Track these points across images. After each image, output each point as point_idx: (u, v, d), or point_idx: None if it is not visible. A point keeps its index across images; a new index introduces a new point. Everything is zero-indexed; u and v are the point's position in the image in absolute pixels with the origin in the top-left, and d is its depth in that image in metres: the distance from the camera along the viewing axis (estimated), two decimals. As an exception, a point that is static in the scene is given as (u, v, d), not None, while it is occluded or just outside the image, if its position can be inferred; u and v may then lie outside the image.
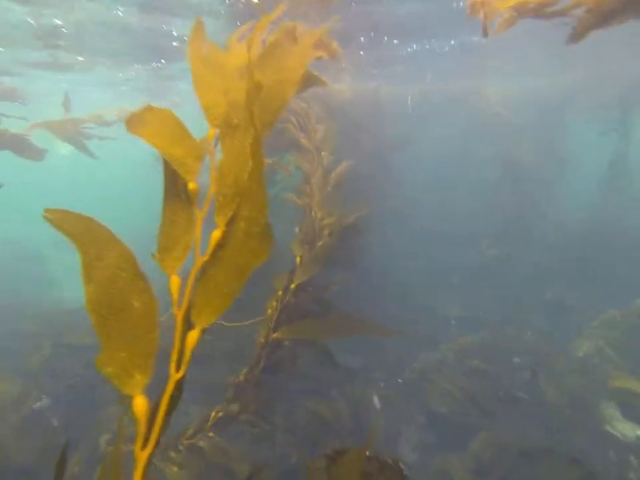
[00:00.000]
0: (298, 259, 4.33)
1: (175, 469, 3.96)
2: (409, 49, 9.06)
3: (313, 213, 4.61)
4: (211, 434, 4.10)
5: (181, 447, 4.03)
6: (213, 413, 4.15)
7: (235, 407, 4.17)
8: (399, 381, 7.15)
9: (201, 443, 4.07)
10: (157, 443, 1.32)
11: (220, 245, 1.66)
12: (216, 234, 1.69)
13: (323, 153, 5.81)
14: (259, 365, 4.13)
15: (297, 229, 4.59)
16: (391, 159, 9.96)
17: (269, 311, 4.11)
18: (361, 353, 7.81)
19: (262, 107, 2.15)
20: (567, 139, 12.12)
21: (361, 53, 9.06)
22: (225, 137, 2.07)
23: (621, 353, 7.66)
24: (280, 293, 4.13)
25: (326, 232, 4.42)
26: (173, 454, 4.03)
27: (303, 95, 8.84)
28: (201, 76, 2.16)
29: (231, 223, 1.72)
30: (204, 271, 1.58)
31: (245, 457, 4.59)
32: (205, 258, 1.61)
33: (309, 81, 2.75)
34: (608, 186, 11.36)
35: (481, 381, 7.35)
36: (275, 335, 3.96)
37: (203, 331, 1.45)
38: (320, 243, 4.31)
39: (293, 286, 4.12)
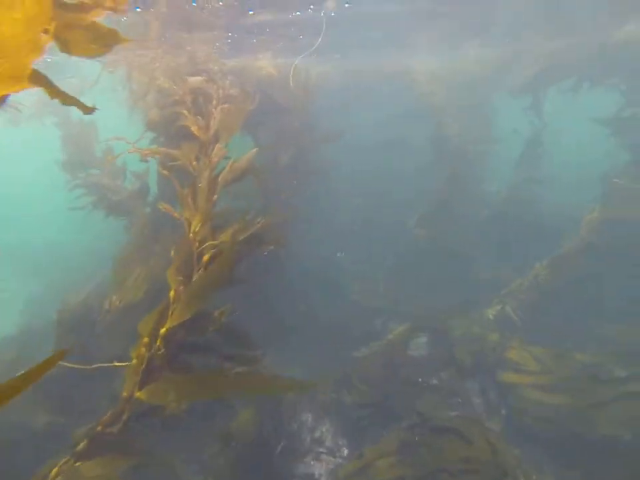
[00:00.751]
0: (172, 294, 3.49)
1: None
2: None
3: (192, 232, 3.72)
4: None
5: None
6: (55, 470, 3.30)
7: (88, 463, 3.37)
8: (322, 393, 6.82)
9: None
10: None
11: None
12: None
13: (217, 146, 4.82)
14: (123, 416, 3.34)
15: (172, 252, 3.71)
16: (319, 147, 9.13)
17: (134, 362, 3.28)
18: (294, 363, 7.43)
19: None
20: (494, 118, 12.17)
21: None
22: None
23: (522, 316, 8.57)
24: (146, 339, 3.30)
25: (206, 257, 3.59)
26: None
27: (209, 67, 7.54)
28: None
29: None
30: None
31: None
32: None
33: (101, 40, 1.86)
34: (524, 164, 11.78)
35: (403, 370, 7.44)
36: (138, 394, 3.18)
37: None
38: (195, 278, 3.48)
39: (163, 330, 3.31)
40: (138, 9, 5.97)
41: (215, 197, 4.11)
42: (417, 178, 11.69)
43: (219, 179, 4.27)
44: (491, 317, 8.87)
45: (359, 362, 7.40)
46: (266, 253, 5.40)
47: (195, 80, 5.77)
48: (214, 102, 5.71)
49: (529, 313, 8.72)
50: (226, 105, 6.34)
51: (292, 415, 6.37)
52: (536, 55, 11.12)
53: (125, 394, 3.29)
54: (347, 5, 6.84)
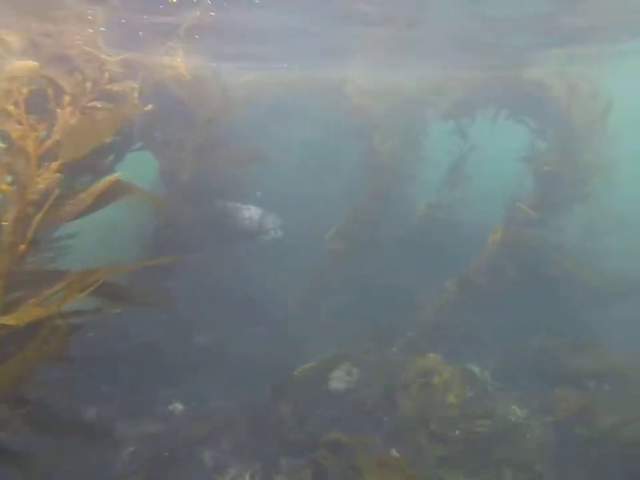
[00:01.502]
0: None
1: None
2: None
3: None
4: None
5: None
6: None
7: None
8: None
9: None
10: None
11: None
12: None
13: (52, 165, 3.36)
14: None
15: None
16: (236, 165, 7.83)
17: None
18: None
19: None
20: (426, 136, 12.02)
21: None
22: None
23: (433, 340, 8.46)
24: None
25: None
26: None
27: (83, 51, 5.82)
28: None
29: None
30: None
31: None
32: None
33: None
34: (448, 183, 11.84)
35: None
36: None
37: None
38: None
39: None
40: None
41: (23, 247, 2.68)
42: (345, 194, 11.02)
43: (36, 219, 2.84)
44: (405, 344, 8.54)
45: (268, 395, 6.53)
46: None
47: (24, 65, 4.16)
48: (66, 98, 4.19)
49: (440, 335, 8.51)
50: (95, 104, 4.85)
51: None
52: (460, 82, 11.21)
53: None
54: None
